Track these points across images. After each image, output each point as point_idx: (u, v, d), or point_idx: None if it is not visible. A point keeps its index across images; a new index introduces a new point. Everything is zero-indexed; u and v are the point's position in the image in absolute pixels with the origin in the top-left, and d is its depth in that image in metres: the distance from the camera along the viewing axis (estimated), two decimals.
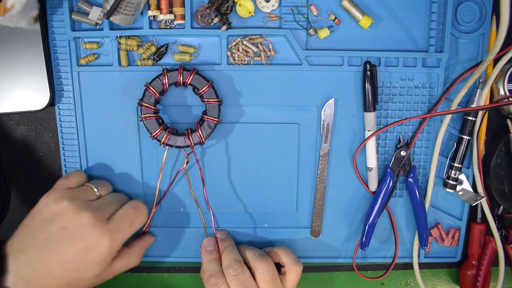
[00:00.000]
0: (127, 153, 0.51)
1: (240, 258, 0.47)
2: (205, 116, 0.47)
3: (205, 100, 0.47)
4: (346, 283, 0.57)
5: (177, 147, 0.48)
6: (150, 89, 0.47)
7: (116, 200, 0.48)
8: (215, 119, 0.47)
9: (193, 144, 0.47)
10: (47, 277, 0.41)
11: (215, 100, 0.47)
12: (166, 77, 0.46)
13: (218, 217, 0.53)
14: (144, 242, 0.51)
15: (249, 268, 0.47)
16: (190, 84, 0.47)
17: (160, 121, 0.48)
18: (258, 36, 0.48)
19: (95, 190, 0.47)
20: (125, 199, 0.49)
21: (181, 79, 0.46)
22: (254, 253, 0.48)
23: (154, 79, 0.47)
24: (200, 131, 0.47)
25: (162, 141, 0.47)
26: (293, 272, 0.48)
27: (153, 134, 0.47)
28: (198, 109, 0.50)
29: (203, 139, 0.48)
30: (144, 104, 0.47)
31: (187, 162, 0.50)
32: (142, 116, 0.47)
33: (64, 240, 0.42)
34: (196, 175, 0.50)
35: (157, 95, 0.47)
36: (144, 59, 0.48)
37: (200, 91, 0.47)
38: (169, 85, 0.47)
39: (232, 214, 0.53)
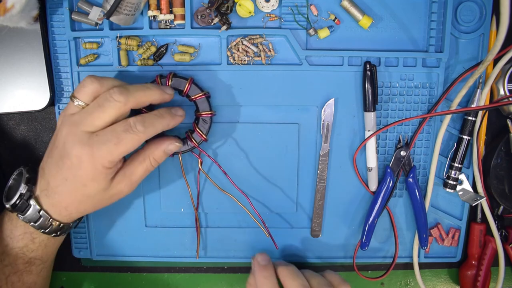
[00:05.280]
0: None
1: (307, 284, 0.43)
2: (198, 113, 0.47)
3: (192, 98, 0.47)
4: None
5: (183, 152, 0.48)
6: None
7: (97, 105, 0.40)
8: (208, 112, 0.47)
9: (197, 144, 0.47)
10: (58, 193, 0.42)
11: (201, 94, 0.46)
12: None
13: (217, 217, 0.53)
14: (162, 145, 0.44)
15: None
16: (171, 87, 0.45)
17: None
18: (258, 36, 0.48)
19: (75, 102, 0.41)
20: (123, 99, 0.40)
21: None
22: (321, 281, 0.44)
23: None
24: (198, 129, 0.47)
25: None
26: None
27: None
28: (191, 107, 0.48)
29: (204, 136, 0.47)
30: None
31: (201, 163, 0.50)
32: None
33: (57, 157, 0.42)
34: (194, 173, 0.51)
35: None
36: (144, 59, 0.48)
37: (184, 91, 0.46)
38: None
39: (231, 214, 0.53)
